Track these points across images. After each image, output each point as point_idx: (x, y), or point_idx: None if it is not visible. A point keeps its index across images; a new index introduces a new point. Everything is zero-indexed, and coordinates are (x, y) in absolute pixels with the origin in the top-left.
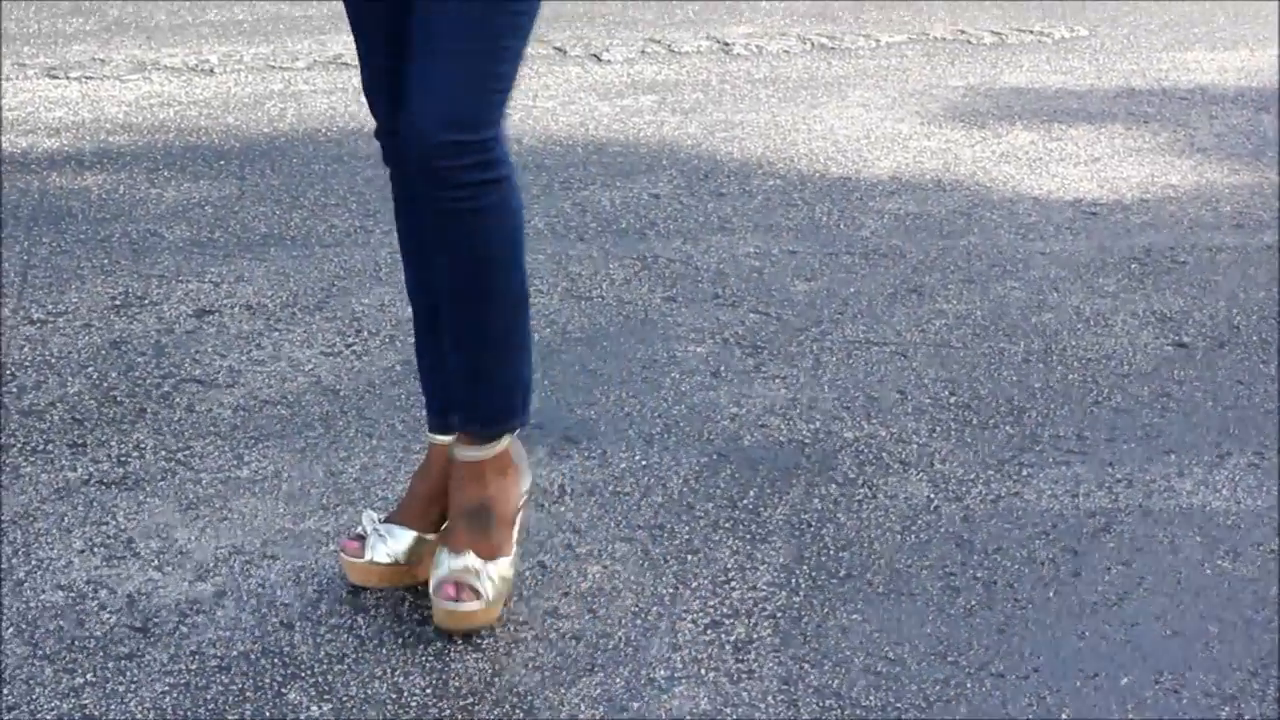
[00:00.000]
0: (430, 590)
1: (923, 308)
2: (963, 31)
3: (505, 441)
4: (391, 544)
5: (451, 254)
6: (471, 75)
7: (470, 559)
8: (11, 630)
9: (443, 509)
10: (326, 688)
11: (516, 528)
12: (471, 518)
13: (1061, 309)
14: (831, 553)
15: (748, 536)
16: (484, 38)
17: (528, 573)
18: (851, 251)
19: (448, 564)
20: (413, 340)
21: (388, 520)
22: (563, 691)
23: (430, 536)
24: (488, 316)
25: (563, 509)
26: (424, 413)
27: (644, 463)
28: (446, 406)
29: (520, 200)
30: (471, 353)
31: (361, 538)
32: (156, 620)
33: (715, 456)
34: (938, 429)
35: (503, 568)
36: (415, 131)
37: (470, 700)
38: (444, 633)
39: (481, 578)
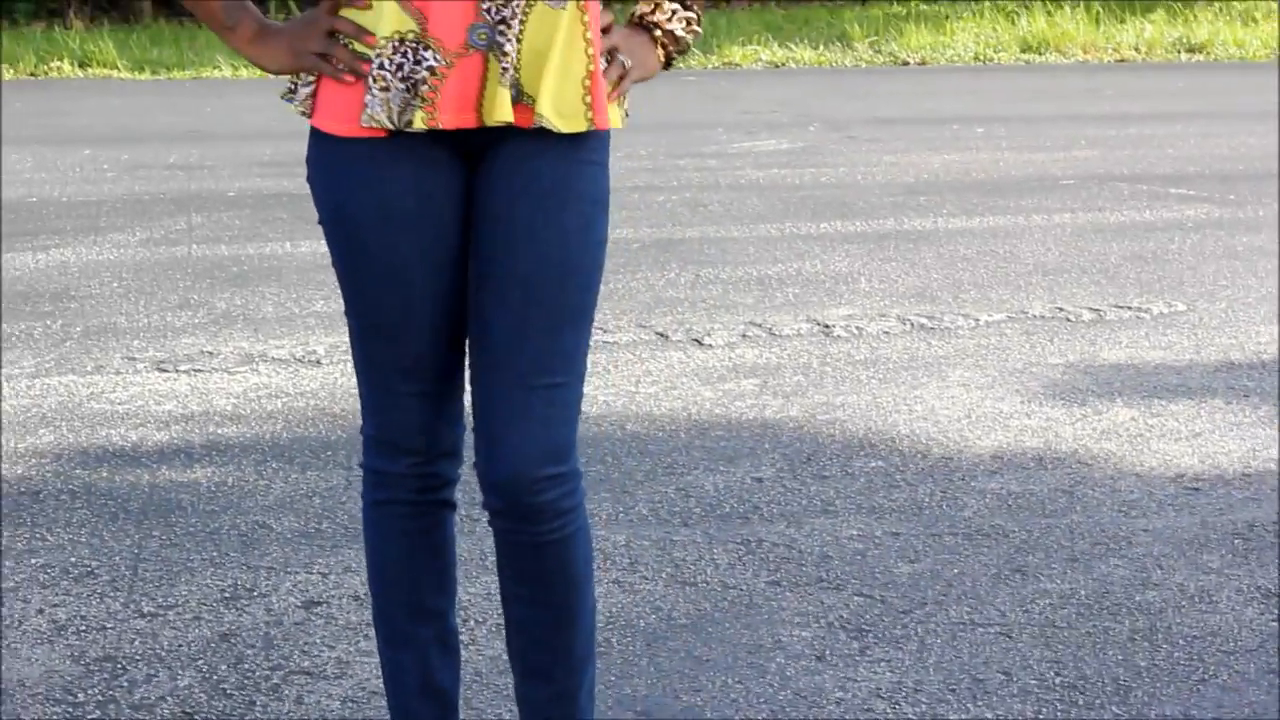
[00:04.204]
0: None
1: (1027, 588)
2: (1061, 309)
3: None
4: None
5: (542, 585)
6: (564, 405)
7: None
8: None
9: None
10: None
11: None
12: None
13: (1165, 586)
14: None
15: None
16: (572, 368)
17: None
18: (954, 532)
19: None
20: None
21: None
22: None
23: None
24: (575, 637)
25: None
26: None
27: None
28: None
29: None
30: (559, 680)
31: None
32: None
33: None
34: (1044, 710)
35: None
36: (510, 470)
37: None
38: None
39: None
